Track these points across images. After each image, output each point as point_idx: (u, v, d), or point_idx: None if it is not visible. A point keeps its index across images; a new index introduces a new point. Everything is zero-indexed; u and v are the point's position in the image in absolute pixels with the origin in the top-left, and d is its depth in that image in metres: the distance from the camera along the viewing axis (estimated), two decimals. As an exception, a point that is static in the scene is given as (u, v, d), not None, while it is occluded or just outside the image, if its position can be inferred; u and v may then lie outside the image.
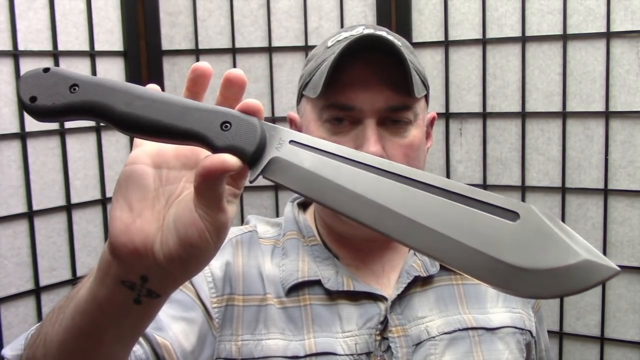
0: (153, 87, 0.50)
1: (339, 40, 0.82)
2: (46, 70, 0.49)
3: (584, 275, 0.39)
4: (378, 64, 0.79)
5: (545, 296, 0.40)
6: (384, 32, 0.84)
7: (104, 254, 0.49)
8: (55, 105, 0.48)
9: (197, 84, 0.51)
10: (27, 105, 0.48)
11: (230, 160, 0.45)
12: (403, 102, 0.80)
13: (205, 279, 0.81)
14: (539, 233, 0.41)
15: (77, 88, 0.48)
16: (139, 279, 0.48)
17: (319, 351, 0.77)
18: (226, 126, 0.47)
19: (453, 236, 0.42)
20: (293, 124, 0.91)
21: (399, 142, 0.80)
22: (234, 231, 0.89)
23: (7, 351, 0.67)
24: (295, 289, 0.82)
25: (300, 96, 0.88)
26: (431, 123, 0.91)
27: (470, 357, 0.81)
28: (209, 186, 0.46)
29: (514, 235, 0.41)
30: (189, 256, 0.47)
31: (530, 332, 0.88)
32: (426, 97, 0.87)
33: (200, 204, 0.46)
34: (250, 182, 0.48)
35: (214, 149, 0.47)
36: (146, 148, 0.51)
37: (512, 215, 0.42)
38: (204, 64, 0.50)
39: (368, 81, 0.79)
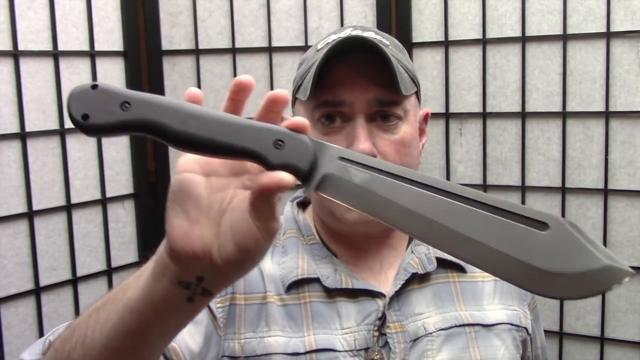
0: (194, 94, 0.52)
1: (327, 43, 0.84)
2: (94, 86, 0.49)
3: (605, 278, 0.45)
4: (364, 63, 0.81)
5: (572, 297, 0.46)
6: (371, 33, 0.86)
7: (161, 257, 0.51)
8: (109, 123, 0.48)
9: (239, 94, 0.54)
10: (80, 123, 0.48)
11: (286, 178, 0.47)
12: (391, 98, 0.82)
13: None
14: (566, 241, 0.46)
15: (128, 106, 0.49)
16: (195, 279, 0.51)
17: (318, 347, 0.78)
18: (279, 144, 0.49)
19: (493, 246, 0.47)
20: None
21: (390, 139, 0.82)
22: None
23: (25, 356, 0.69)
24: (295, 286, 0.83)
25: (294, 100, 0.90)
26: (425, 120, 0.93)
27: (467, 353, 0.81)
28: (265, 200, 0.49)
29: (544, 243, 0.46)
30: (245, 259, 0.50)
31: (526, 329, 0.88)
32: (417, 94, 0.89)
33: (257, 215, 0.49)
34: (306, 193, 0.49)
35: (269, 166, 0.49)
36: (194, 156, 0.53)
37: (542, 225, 0.47)
38: (247, 77, 0.53)
39: (355, 79, 0.81)
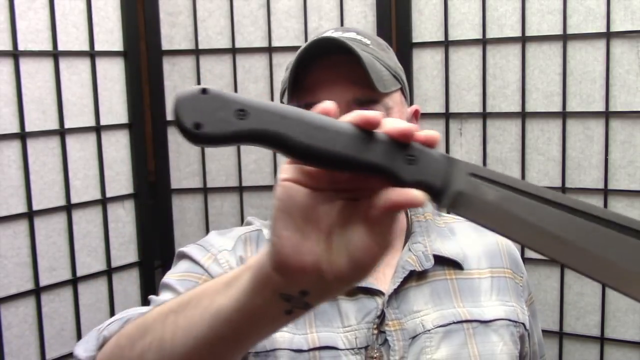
0: (329, 109, 0.47)
1: (307, 44, 0.85)
2: (204, 91, 0.45)
3: None
4: (343, 64, 0.83)
5: None
6: (352, 33, 0.88)
7: (262, 268, 0.49)
8: (224, 133, 0.44)
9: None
10: (192, 133, 0.44)
11: (419, 196, 0.45)
12: (370, 96, 0.83)
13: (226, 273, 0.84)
14: None
15: (245, 113, 0.44)
16: (299, 293, 0.49)
17: (321, 345, 0.79)
18: (411, 159, 0.46)
19: (620, 264, 0.46)
20: None
21: None
22: (240, 229, 0.92)
23: (80, 351, 0.68)
24: None
25: (282, 103, 0.92)
26: (415, 116, 0.94)
27: (465, 349, 0.82)
28: (390, 217, 0.47)
29: None
30: (358, 275, 0.48)
31: (523, 324, 0.89)
32: (403, 91, 0.90)
33: (376, 230, 0.47)
34: (437, 210, 0.47)
35: (401, 183, 0.46)
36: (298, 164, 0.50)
37: None
38: (329, 104, 0.48)
39: (334, 80, 0.83)
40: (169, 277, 0.85)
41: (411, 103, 0.99)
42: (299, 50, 0.85)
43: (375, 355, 0.79)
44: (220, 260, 0.86)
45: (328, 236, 0.48)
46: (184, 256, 0.89)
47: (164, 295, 0.81)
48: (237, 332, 0.52)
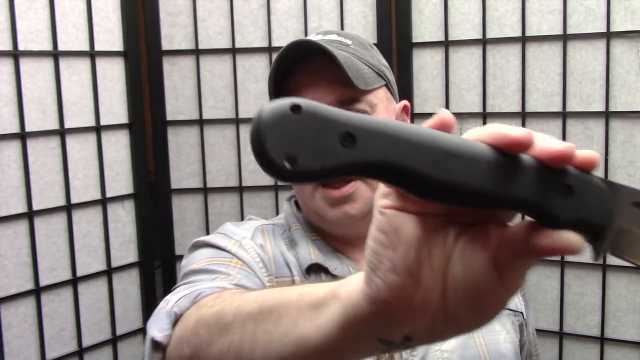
0: (448, 120, 0.37)
1: (282, 50, 0.87)
2: (296, 108, 0.33)
3: None
4: (325, 66, 0.84)
5: None
6: (333, 35, 0.90)
7: (358, 307, 0.40)
8: (326, 168, 0.33)
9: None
10: (284, 170, 0.32)
11: (577, 244, 0.35)
12: (351, 95, 0.85)
13: (254, 259, 0.85)
14: None
15: (352, 139, 0.33)
16: (402, 339, 0.41)
17: None
18: (567, 190, 0.35)
19: None
20: None
21: None
22: (254, 222, 0.95)
23: (154, 332, 0.65)
24: (312, 271, 0.88)
25: None
26: (405, 111, 0.96)
27: (472, 339, 0.84)
28: (533, 261, 0.38)
29: None
30: (479, 324, 0.40)
31: (522, 313, 0.93)
32: (389, 87, 0.92)
33: (508, 274, 0.37)
34: (595, 260, 0.39)
35: (554, 221, 0.35)
36: None
37: None
38: (447, 114, 0.38)
39: (317, 83, 0.85)
40: (197, 265, 0.82)
41: (411, 103, 1.00)
42: (276, 56, 0.87)
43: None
44: (246, 246, 0.87)
45: (442, 275, 0.39)
46: (205, 245, 0.88)
47: (200, 278, 0.78)
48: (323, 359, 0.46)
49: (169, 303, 0.68)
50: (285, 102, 0.33)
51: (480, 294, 0.38)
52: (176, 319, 0.65)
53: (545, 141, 0.36)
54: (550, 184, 0.35)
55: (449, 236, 0.39)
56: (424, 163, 0.34)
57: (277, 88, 0.86)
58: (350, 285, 0.42)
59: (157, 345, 0.65)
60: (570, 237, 0.35)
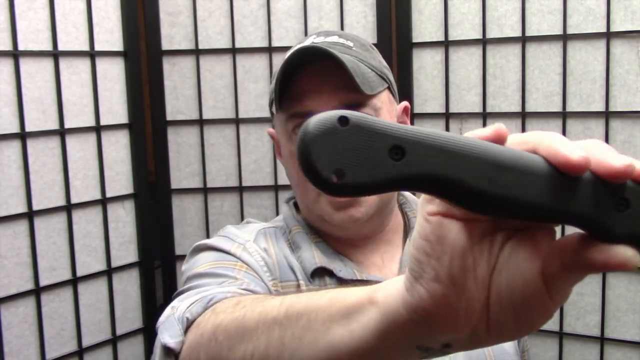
0: (502, 132, 0.36)
1: (289, 54, 0.87)
2: (344, 121, 0.33)
3: None
4: (328, 70, 0.84)
5: None
6: (334, 37, 0.89)
7: (398, 314, 0.40)
8: (375, 182, 0.33)
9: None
10: (332, 184, 0.32)
11: (634, 259, 0.34)
12: (356, 99, 0.84)
13: (258, 263, 0.85)
14: None
15: (402, 152, 0.33)
16: (441, 346, 0.40)
17: None
18: (623, 204, 0.34)
19: None
20: (274, 139, 0.98)
21: None
22: (256, 225, 0.95)
23: (167, 339, 0.64)
24: (317, 275, 0.87)
25: (272, 113, 0.94)
26: (405, 113, 0.96)
27: None
28: (583, 275, 0.36)
29: None
30: (521, 335, 0.39)
31: None
32: (390, 89, 0.91)
33: (559, 288, 0.36)
34: None
35: (610, 236, 0.34)
36: None
37: None
38: (502, 127, 0.37)
39: (321, 88, 0.84)
40: (200, 268, 0.81)
41: (411, 103, 1.00)
42: (283, 61, 0.86)
43: None
44: (250, 250, 0.87)
45: (487, 284, 0.38)
46: (207, 248, 0.87)
47: (206, 282, 0.77)
48: None
49: (179, 309, 0.67)
50: (332, 114, 0.33)
51: (525, 304, 0.37)
52: (188, 325, 0.65)
53: (604, 156, 0.34)
54: (607, 197, 0.34)
55: (495, 243, 0.38)
56: (477, 177, 0.33)
57: (281, 92, 0.86)
58: (388, 291, 0.41)
59: (168, 352, 0.64)
60: (627, 252, 0.34)
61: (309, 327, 0.47)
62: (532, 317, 0.37)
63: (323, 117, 0.33)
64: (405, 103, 0.97)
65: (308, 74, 0.85)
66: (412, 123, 0.99)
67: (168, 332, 0.64)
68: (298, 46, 0.88)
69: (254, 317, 0.54)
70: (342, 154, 0.32)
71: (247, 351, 0.52)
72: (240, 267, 0.82)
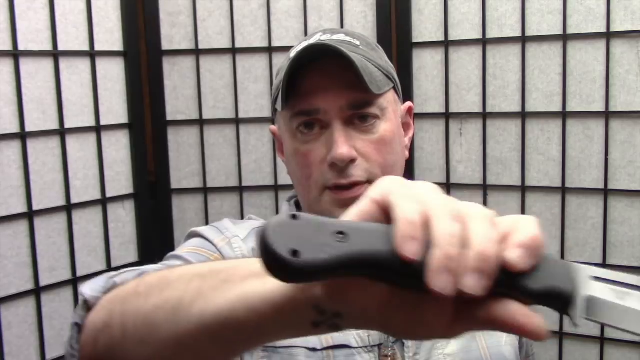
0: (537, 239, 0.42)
1: (298, 51, 0.85)
2: (294, 217, 0.40)
3: None
4: (335, 68, 0.82)
5: None
6: (341, 35, 0.88)
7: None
8: (326, 259, 0.39)
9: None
10: (288, 261, 0.38)
11: (542, 329, 0.40)
12: (363, 99, 0.83)
13: None
14: None
15: (345, 236, 0.40)
16: (332, 314, 0.44)
17: (335, 344, 0.79)
18: (534, 266, 0.41)
19: None
20: (276, 137, 0.97)
21: (370, 139, 0.84)
22: (254, 222, 0.93)
23: (86, 290, 0.63)
24: None
25: (275, 110, 0.93)
26: (409, 113, 0.95)
27: (474, 342, 0.84)
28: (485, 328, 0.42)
29: None
30: (406, 336, 0.45)
31: None
32: (395, 89, 0.91)
33: (460, 323, 0.42)
34: (575, 327, 0.44)
35: (526, 292, 0.41)
36: None
37: None
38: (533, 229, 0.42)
39: (327, 86, 0.83)
40: (179, 251, 0.82)
41: (412, 103, 1.00)
42: (290, 57, 0.85)
43: (388, 354, 0.79)
44: (233, 245, 0.86)
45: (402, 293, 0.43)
46: (196, 235, 0.88)
47: (172, 263, 0.78)
48: (256, 323, 0.47)
49: (113, 273, 0.66)
50: (285, 214, 0.41)
51: (422, 320, 0.42)
52: (112, 287, 0.63)
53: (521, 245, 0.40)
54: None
55: None
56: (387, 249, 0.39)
57: (287, 89, 0.84)
58: None
59: (85, 303, 0.62)
60: (538, 322, 0.39)
61: (227, 280, 0.49)
62: (421, 332, 0.42)
63: (278, 216, 0.41)
64: (409, 103, 0.96)
65: (315, 71, 0.83)
66: (413, 123, 0.98)
67: (90, 286, 0.64)
68: (306, 43, 0.86)
69: (177, 271, 0.56)
70: (296, 238, 0.39)
71: (161, 299, 0.53)
72: (215, 259, 0.81)
